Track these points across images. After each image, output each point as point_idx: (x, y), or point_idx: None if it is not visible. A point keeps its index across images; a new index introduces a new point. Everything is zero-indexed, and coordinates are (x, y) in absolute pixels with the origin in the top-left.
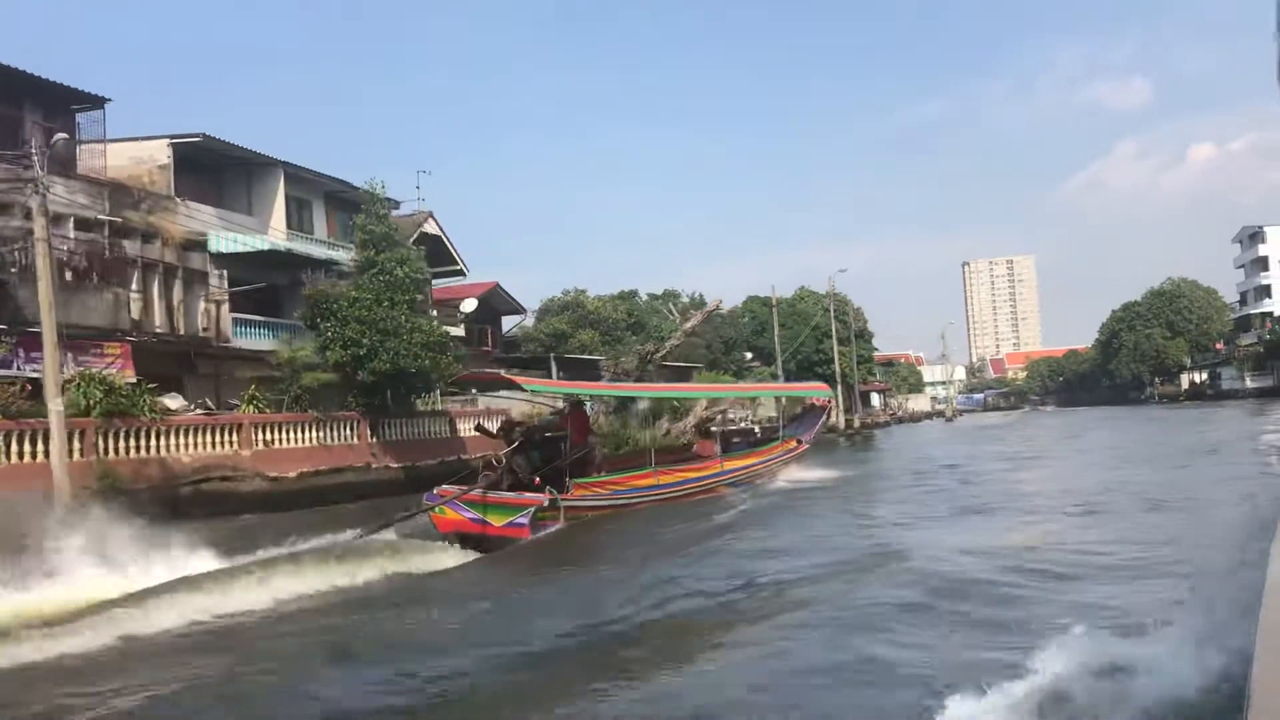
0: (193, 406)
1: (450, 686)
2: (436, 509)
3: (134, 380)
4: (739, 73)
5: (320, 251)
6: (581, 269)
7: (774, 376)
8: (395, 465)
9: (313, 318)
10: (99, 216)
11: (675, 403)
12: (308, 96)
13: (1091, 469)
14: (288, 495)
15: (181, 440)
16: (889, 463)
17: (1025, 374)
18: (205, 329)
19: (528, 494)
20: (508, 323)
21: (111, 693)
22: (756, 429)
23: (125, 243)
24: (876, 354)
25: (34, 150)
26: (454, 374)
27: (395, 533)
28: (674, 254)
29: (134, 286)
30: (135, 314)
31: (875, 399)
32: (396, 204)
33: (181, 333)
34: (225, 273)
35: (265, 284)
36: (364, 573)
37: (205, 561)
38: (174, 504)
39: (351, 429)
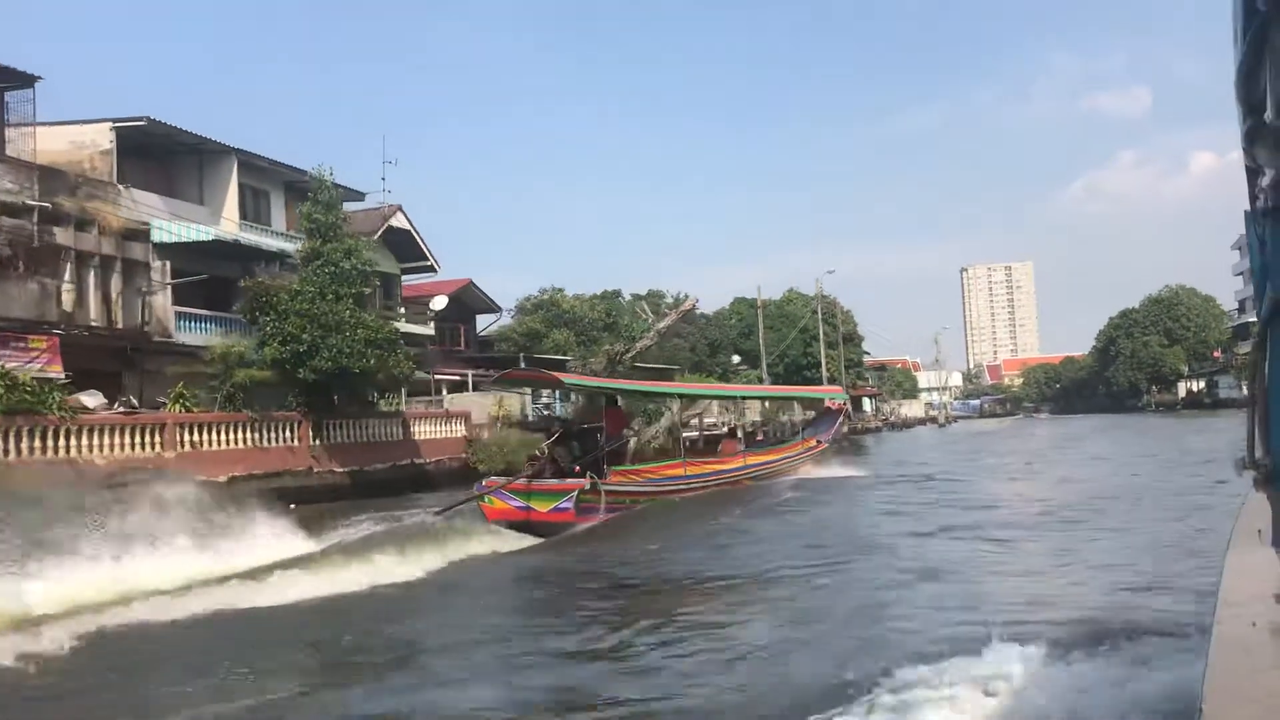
0: (116, 405)
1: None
2: (484, 499)
3: (61, 375)
4: (732, 73)
5: (272, 243)
6: (570, 272)
7: (759, 379)
8: (340, 469)
9: (252, 311)
10: (27, 202)
11: (651, 405)
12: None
13: (1068, 483)
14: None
15: (95, 441)
16: (871, 469)
17: (1022, 381)
18: (146, 323)
19: (569, 480)
20: (484, 322)
21: None
22: (739, 433)
23: (57, 230)
24: (869, 359)
25: None
26: (405, 372)
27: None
28: (664, 257)
29: (66, 277)
30: (67, 305)
31: (866, 404)
32: (361, 195)
33: (120, 326)
34: (168, 264)
35: (208, 276)
36: (450, 553)
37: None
38: (83, 510)
39: (291, 430)
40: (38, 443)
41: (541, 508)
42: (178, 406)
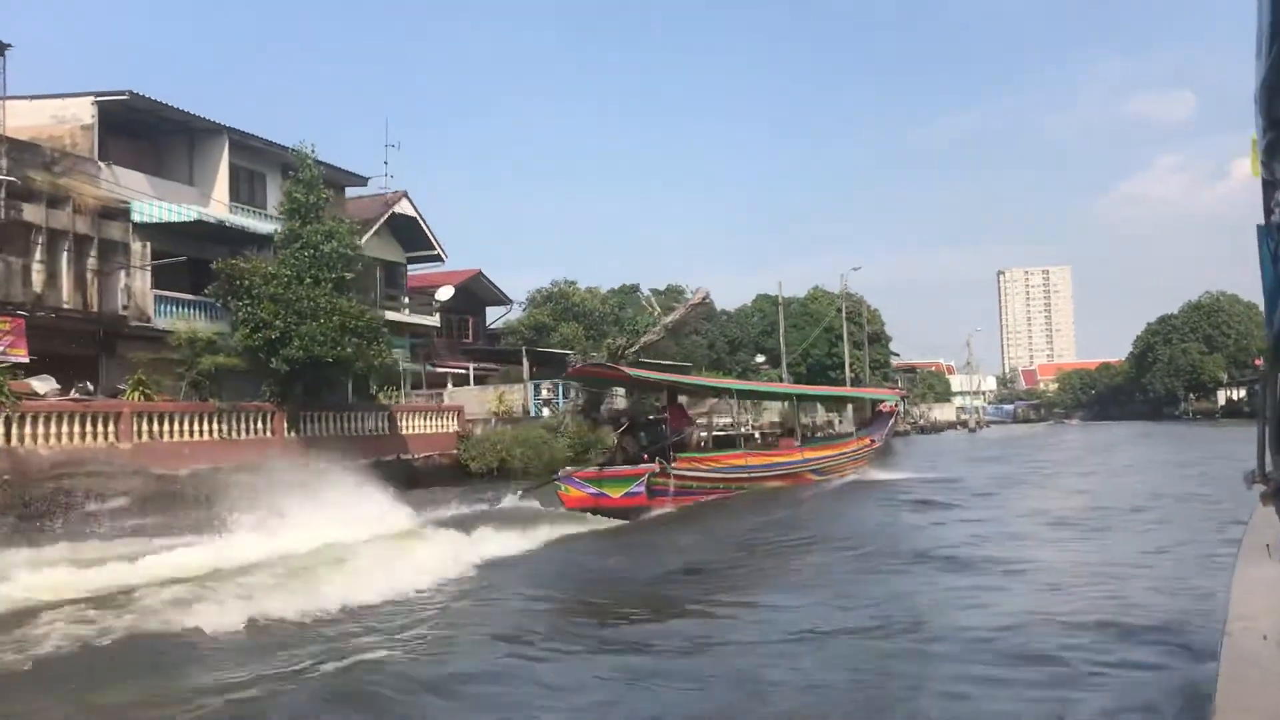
0: (73, 391)
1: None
2: (562, 488)
3: (25, 359)
4: (770, 76)
5: (260, 225)
6: (596, 269)
7: (780, 379)
8: (318, 465)
9: (224, 295)
10: None
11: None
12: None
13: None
14: (175, 495)
15: (41, 430)
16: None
17: (1057, 386)
18: (125, 307)
19: (640, 465)
20: (496, 314)
21: None
22: (757, 434)
23: (26, 206)
24: (898, 360)
25: None
26: (386, 362)
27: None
28: (692, 258)
29: (36, 256)
30: (37, 286)
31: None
32: (364, 180)
33: (95, 310)
34: (148, 245)
35: (191, 258)
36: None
37: None
38: (24, 504)
39: (264, 422)
40: None
41: (614, 493)
42: (136, 394)
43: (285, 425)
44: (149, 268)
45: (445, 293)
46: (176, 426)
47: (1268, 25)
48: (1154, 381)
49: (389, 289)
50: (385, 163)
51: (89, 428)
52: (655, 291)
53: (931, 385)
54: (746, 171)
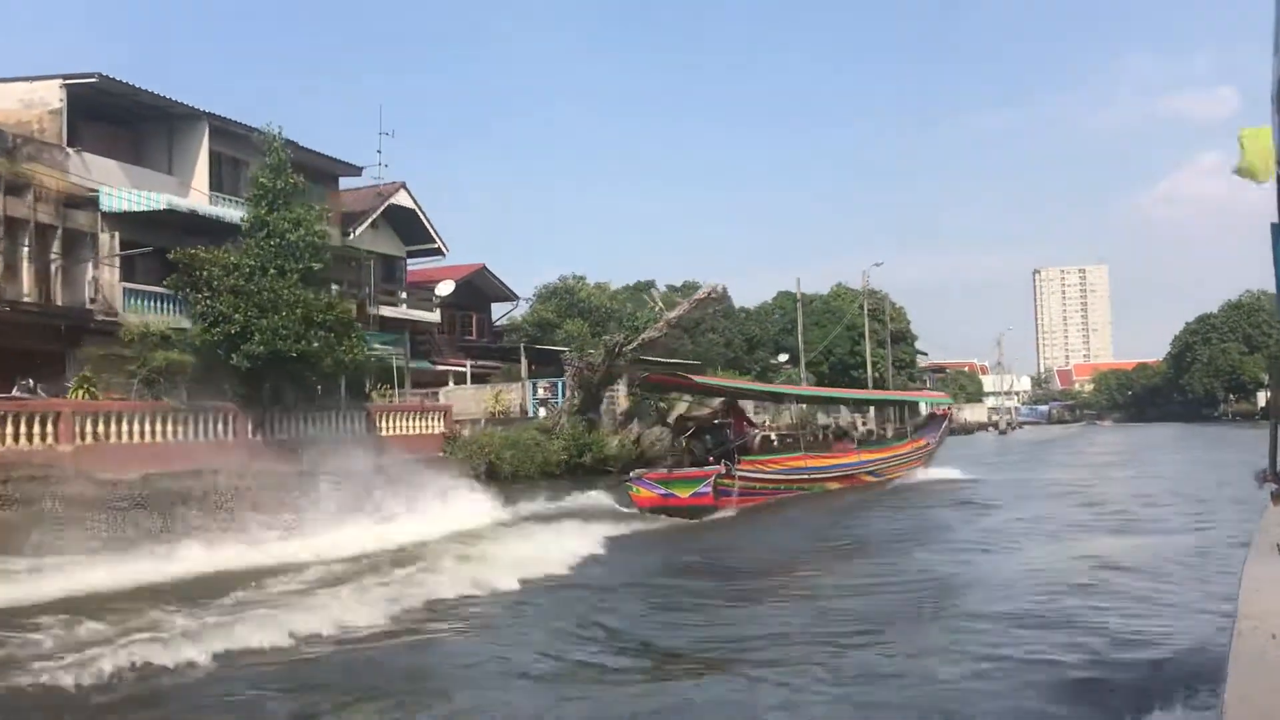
0: (15, 390)
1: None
2: (633, 488)
3: None
4: (800, 72)
5: (235, 214)
6: (618, 266)
7: (801, 379)
8: (285, 469)
9: (183, 288)
10: None
11: (658, 406)
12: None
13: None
14: (124, 502)
15: None
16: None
17: (1093, 387)
18: (93, 299)
19: (706, 468)
20: (500, 310)
21: None
22: (773, 436)
23: None
24: (928, 360)
25: None
26: (361, 359)
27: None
28: (717, 255)
29: None
30: None
31: (922, 407)
32: (358, 170)
33: (59, 303)
34: (116, 235)
35: (163, 249)
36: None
37: None
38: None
39: (225, 423)
40: None
41: (682, 493)
42: (81, 393)
43: (249, 427)
44: (117, 259)
45: (445, 288)
46: (125, 428)
47: None
48: (1192, 382)
49: (387, 283)
50: (379, 151)
51: (24, 429)
52: (671, 288)
53: (963, 386)
54: (773, 167)
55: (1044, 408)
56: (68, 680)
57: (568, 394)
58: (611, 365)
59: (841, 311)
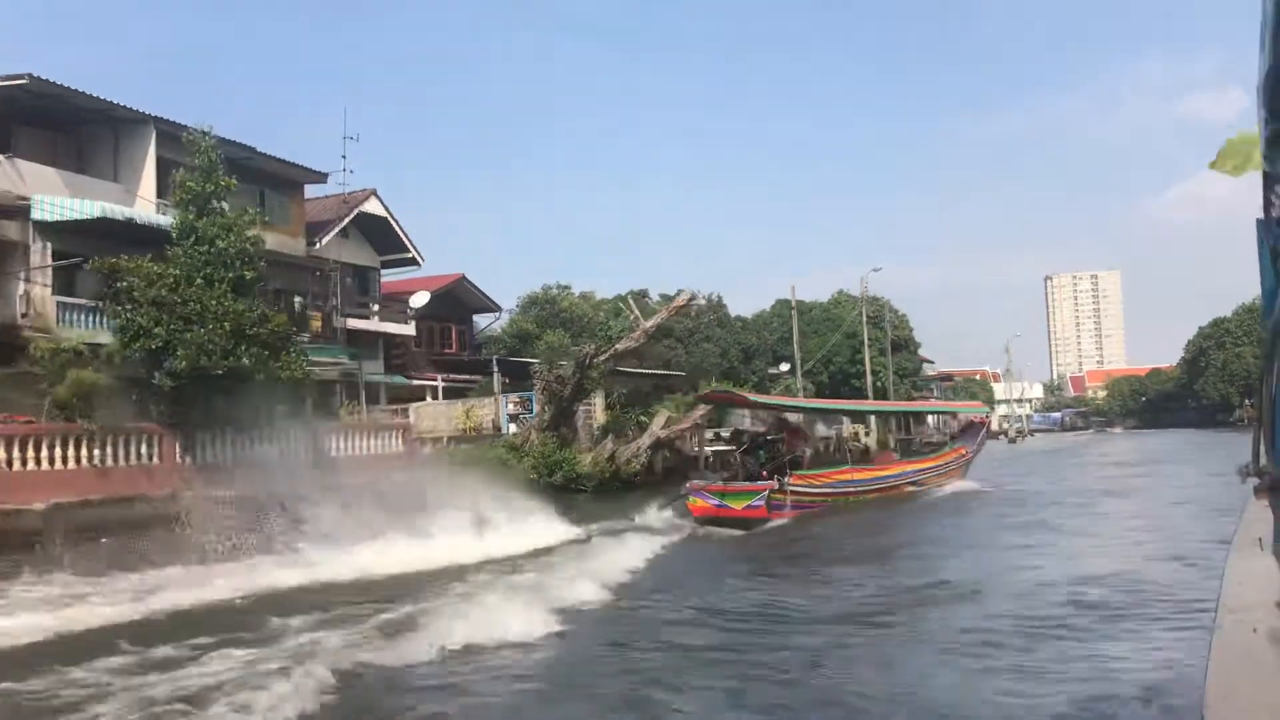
0: None
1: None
2: (691, 498)
3: None
4: (803, 77)
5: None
6: (619, 275)
7: (798, 389)
8: (220, 494)
9: (105, 300)
10: None
11: (638, 421)
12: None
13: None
14: (29, 534)
15: None
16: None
17: (1105, 393)
18: (24, 314)
19: (760, 482)
20: (485, 321)
21: None
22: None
23: None
24: (935, 369)
25: None
26: (300, 375)
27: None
28: (720, 264)
29: None
30: None
31: (930, 419)
32: (323, 177)
33: None
34: (49, 246)
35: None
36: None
37: None
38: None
39: (149, 447)
40: None
41: (736, 505)
42: None
43: (177, 450)
44: (49, 271)
45: (420, 299)
46: (31, 454)
47: (1272, 17)
48: (1207, 387)
49: (360, 295)
50: (344, 156)
51: None
52: (665, 297)
53: (974, 394)
54: (775, 174)
55: (1057, 415)
56: None
57: (538, 409)
58: (583, 378)
59: (842, 319)
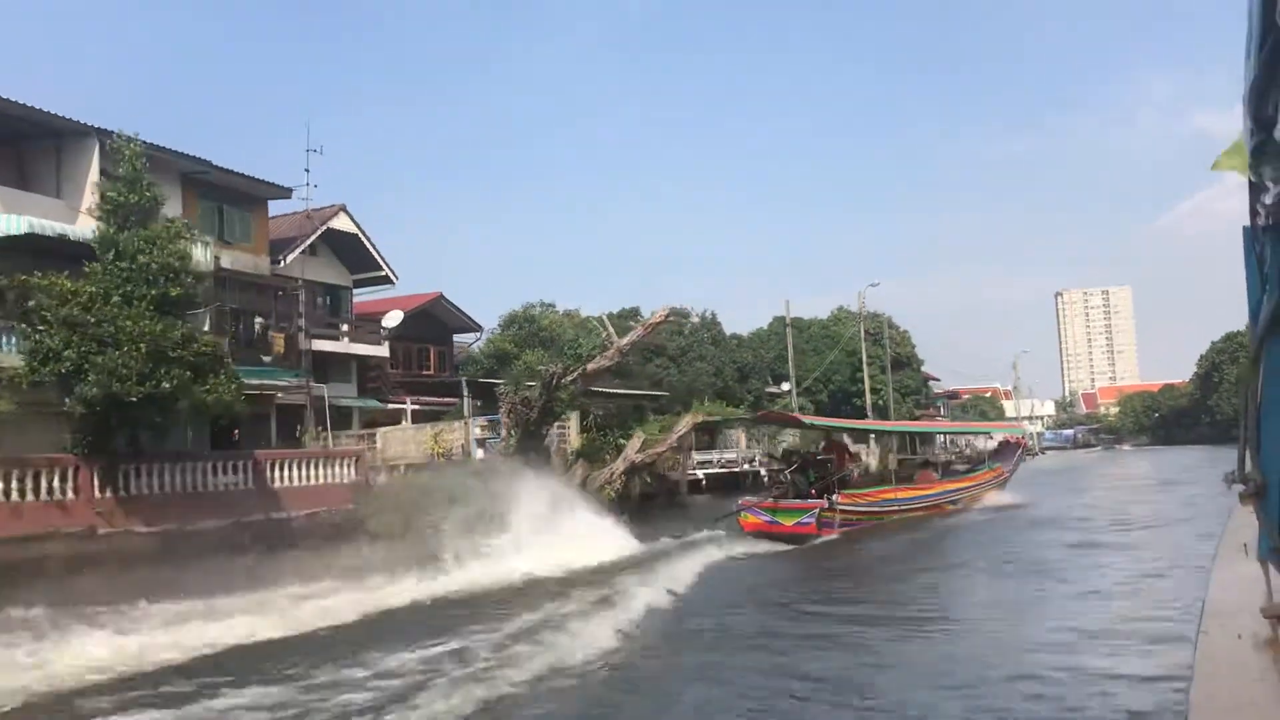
0: None
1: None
2: (743, 514)
3: None
4: (812, 100)
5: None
6: (617, 295)
7: (794, 407)
8: (145, 529)
9: (15, 320)
10: None
11: (616, 445)
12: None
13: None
14: None
15: None
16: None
17: (1118, 410)
18: None
19: (810, 500)
20: (467, 341)
21: None
22: (763, 472)
23: None
24: (942, 387)
25: None
26: (229, 400)
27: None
28: (724, 276)
29: None
30: None
31: (939, 437)
32: (287, 192)
33: None
34: None
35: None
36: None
37: None
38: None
39: (62, 479)
40: None
41: (787, 522)
42: None
43: (95, 482)
44: None
45: (393, 319)
46: None
47: (1257, 27)
48: (1221, 403)
49: (331, 315)
50: (307, 170)
51: None
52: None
53: (984, 412)
54: (778, 190)
55: (1069, 432)
56: None
57: (503, 433)
58: (550, 400)
59: (841, 336)
